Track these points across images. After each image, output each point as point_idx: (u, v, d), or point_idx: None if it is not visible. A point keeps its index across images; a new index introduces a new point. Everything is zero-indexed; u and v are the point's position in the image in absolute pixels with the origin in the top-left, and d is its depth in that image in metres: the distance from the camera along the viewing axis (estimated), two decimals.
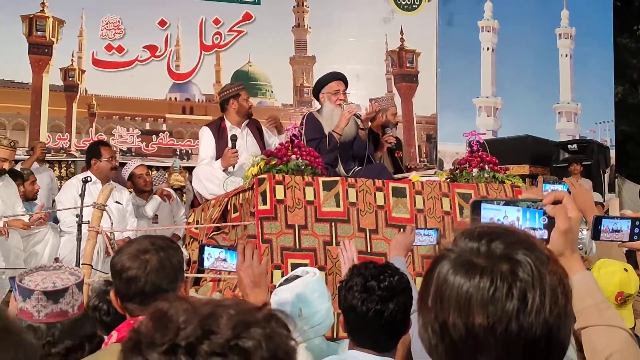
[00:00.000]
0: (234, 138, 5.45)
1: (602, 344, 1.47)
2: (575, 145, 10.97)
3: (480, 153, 5.01)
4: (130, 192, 6.70)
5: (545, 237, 1.48)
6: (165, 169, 9.25)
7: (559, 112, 12.05)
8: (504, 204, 1.51)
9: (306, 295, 2.73)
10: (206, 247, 2.63)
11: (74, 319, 2.22)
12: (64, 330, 2.18)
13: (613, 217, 2.29)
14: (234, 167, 5.34)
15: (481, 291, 1.10)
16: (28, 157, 8.06)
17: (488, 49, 11.87)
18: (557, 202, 1.49)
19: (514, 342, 1.09)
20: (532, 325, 1.09)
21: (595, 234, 2.22)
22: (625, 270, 2.84)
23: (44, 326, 2.17)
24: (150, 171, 7.38)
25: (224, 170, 5.38)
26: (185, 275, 3.13)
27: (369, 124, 5.57)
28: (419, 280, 3.92)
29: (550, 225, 1.48)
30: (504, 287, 1.10)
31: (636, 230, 2.22)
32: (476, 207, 1.50)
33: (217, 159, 5.51)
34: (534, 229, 1.48)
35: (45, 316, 2.18)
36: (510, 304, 1.09)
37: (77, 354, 2.15)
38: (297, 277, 2.83)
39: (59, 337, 2.16)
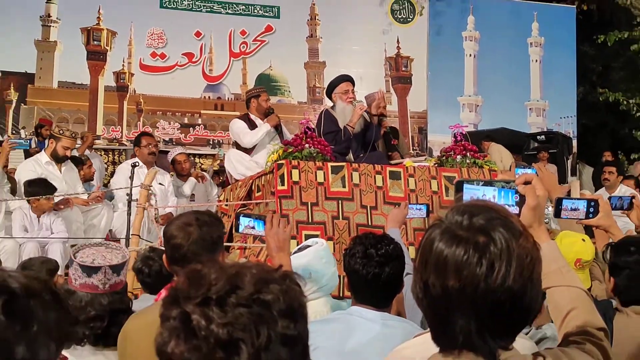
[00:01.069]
0: (272, 110, 5.62)
1: (564, 301, 1.47)
2: (543, 136, 10.91)
3: (463, 143, 4.99)
4: (171, 175, 6.72)
5: (517, 212, 1.47)
6: (206, 156, 9.45)
7: (530, 108, 11.97)
8: (482, 184, 1.50)
9: (315, 262, 2.72)
10: (241, 217, 2.71)
11: (99, 294, 2.15)
12: (88, 300, 2.14)
13: (572, 198, 2.28)
14: (276, 128, 5.49)
15: (456, 257, 1.11)
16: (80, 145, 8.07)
17: (470, 55, 11.79)
18: (527, 183, 1.48)
19: (481, 302, 1.10)
20: (497, 290, 1.09)
21: (557, 213, 2.21)
22: (583, 240, 2.82)
23: (81, 293, 2.14)
24: (189, 157, 7.39)
25: (248, 152, 5.46)
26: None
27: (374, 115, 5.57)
28: (412, 248, 3.93)
29: (521, 202, 1.48)
30: (475, 256, 1.10)
31: (591, 209, 2.22)
32: (459, 187, 1.50)
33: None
34: (508, 205, 1.47)
35: (80, 285, 2.15)
36: (479, 270, 1.09)
37: (96, 323, 2.12)
38: (308, 246, 2.82)
39: (84, 305, 2.14)
